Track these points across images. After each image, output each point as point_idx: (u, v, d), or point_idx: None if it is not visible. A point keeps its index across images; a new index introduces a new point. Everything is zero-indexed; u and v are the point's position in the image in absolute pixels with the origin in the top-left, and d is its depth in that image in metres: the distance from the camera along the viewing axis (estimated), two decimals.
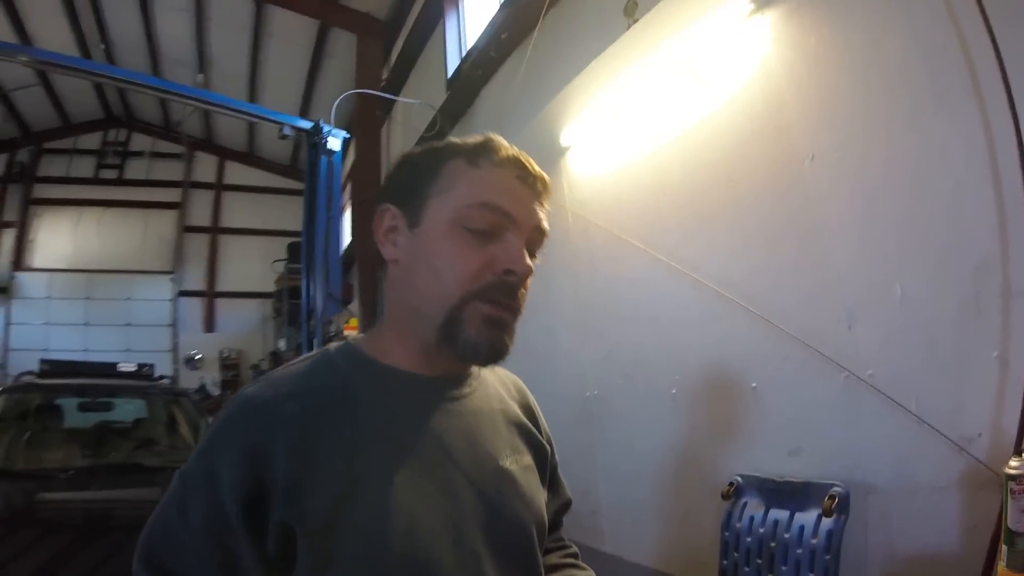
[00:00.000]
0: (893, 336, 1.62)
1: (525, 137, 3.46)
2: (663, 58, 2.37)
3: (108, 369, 4.47)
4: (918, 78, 1.58)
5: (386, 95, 5.36)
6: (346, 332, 5.65)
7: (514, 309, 0.75)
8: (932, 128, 1.54)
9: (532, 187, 0.77)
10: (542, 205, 0.79)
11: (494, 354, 0.74)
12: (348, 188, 6.91)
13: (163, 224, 10.79)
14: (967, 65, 1.46)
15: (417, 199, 0.76)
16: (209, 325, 10.78)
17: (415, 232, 0.76)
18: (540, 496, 0.84)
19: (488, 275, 0.72)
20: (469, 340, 0.72)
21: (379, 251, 0.79)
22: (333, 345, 0.81)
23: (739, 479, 1.93)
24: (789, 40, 1.92)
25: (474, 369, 0.84)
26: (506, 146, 0.77)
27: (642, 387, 2.58)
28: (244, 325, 10.86)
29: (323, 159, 4.57)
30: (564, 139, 3.10)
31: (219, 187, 11.25)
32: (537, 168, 0.78)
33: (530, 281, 0.77)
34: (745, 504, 1.86)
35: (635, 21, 2.54)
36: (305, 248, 4.78)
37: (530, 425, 0.89)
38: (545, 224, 0.78)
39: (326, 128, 4.65)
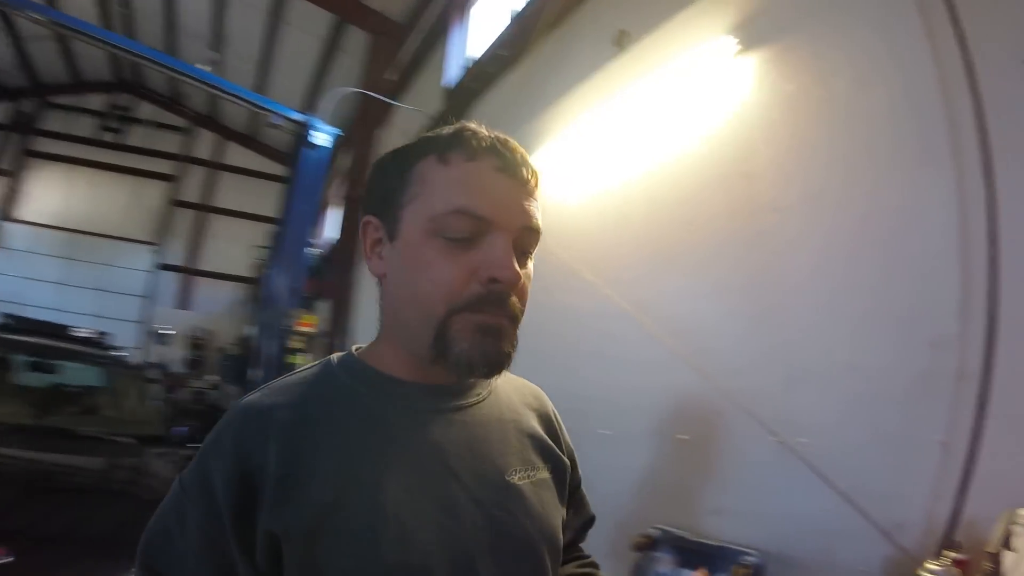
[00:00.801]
0: (835, 406, 1.54)
1: None
2: (641, 92, 2.32)
3: (59, 331, 4.32)
4: (902, 133, 1.52)
5: (381, 97, 5.31)
6: (301, 327, 5.54)
7: (509, 317, 0.68)
8: (909, 186, 1.48)
9: (515, 177, 0.69)
10: (531, 196, 0.70)
11: (490, 365, 0.67)
12: (345, 187, 6.82)
13: (154, 195, 10.68)
14: (949, 123, 1.39)
15: (392, 209, 0.71)
16: (184, 302, 10.63)
17: (395, 245, 0.71)
18: (554, 514, 0.76)
19: (473, 285, 0.67)
20: (462, 353, 0.66)
21: (367, 266, 0.75)
22: (336, 355, 0.78)
23: (655, 531, 1.83)
24: (768, 85, 1.87)
25: None
26: (482, 134, 0.69)
27: (580, 425, 2.47)
28: (219, 306, 10.69)
29: (306, 152, 4.45)
30: (535, 161, 3.03)
31: (215, 165, 11.17)
32: (522, 153, 0.70)
33: (526, 286, 0.70)
34: (657, 559, 1.76)
35: (623, 52, 2.49)
36: (277, 238, 4.68)
37: (547, 439, 0.81)
38: (536, 221, 0.70)
39: (313, 121, 4.58)
